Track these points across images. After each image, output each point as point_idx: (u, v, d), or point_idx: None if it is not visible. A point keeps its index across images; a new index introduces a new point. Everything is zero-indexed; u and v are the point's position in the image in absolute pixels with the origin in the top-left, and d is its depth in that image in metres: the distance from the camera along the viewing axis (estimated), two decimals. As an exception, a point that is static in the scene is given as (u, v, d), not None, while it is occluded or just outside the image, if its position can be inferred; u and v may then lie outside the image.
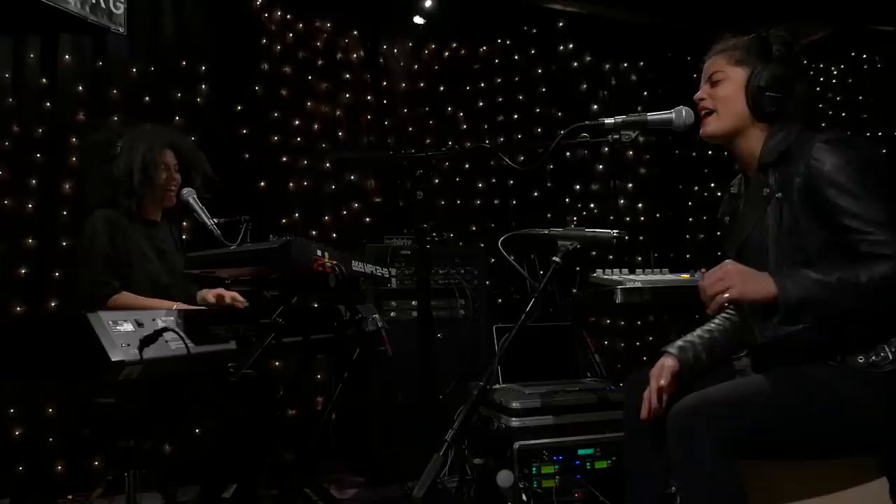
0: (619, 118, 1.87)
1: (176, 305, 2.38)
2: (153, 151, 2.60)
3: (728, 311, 1.90)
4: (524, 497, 2.23)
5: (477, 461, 2.63)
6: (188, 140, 2.93)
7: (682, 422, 1.55)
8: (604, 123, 1.87)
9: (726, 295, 1.50)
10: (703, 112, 1.84)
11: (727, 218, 1.96)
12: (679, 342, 1.86)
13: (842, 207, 1.57)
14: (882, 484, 1.60)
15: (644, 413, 1.77)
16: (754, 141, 1.78)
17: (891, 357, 1.55)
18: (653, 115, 1.87)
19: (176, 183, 2.69)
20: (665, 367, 1.79)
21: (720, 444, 1.49)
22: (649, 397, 1.77)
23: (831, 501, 1.63)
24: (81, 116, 3.71)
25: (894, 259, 1.48)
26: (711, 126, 1.82)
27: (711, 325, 1.90)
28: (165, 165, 2.66)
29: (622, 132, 1.85)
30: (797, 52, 1.78)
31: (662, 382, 1.77)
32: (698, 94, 1.85)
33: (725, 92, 1.79)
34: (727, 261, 1.57)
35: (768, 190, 1.72)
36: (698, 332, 1.90)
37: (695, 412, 1.55)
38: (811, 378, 1.58)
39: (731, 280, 1.50)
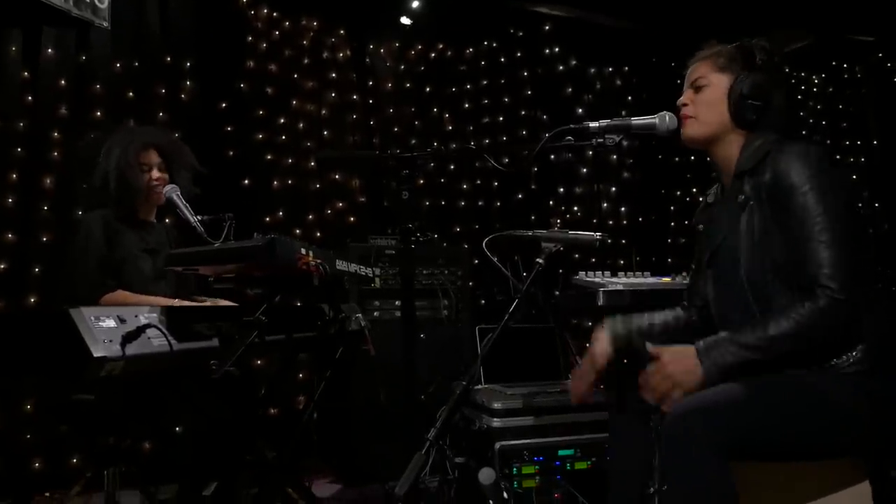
0: (604, 122, 1.87)
1: (177, 301, 2.38)
2: (128, 155, 2.56)
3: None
4: (505, 495, 2.24)
5: (458, 460, 2.64)
6: (169, 135, 2.89)
7: (680, 425, 1.55)
8: (588, 127, 1.87)
9: (675, 396, 1.59)
10: (684, 117, 1.86)
11: (700, 226, 1.97)
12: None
13: (795, 225, 1.61)
14: (865, 487, 1.63)
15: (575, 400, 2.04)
16: (733, 147, 1.80)
17: (852, 360, 1.60)
18: (637, 120, 1.88)
19: (162, 180, 2.63)
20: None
21: (717, 448, 1.50)
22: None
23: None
24: (63, 111, 3.68)
25: (819, 301, 1.54)
26: (692, 129, 1.84)
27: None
28: (147, 166, 2.62)
29: (606, 136, 1.86)
30: (778, 61, 1.82)
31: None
32: (681, 100, 1.87)
33: (708, 98, 1.81)
34: (664, 354, 1.64)
35: (743, 197, 1.73)
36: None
37: (692, 416, 1.55)
38: (797, 380, 1.61)
39: (674, 378, 1.60)
